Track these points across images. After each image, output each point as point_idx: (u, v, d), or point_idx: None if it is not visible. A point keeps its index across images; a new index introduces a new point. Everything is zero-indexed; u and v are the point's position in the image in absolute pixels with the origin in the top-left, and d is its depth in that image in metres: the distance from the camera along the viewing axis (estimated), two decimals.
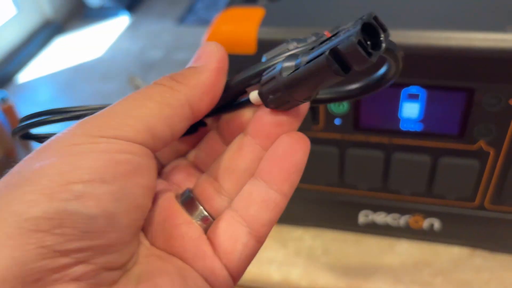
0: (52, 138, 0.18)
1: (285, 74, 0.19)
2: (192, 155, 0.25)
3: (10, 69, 2.07)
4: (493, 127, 0.36)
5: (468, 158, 0.38)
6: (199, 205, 0.22)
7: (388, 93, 0.36)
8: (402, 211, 0.44)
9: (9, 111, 1.60)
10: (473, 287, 0.43)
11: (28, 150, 1.67)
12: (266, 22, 0.36)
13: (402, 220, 0.44)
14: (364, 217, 0.45)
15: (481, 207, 0.41)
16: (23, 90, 2.00)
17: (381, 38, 0.17)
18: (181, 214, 0.22)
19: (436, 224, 0.44)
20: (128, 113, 0.19)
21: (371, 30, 0.17)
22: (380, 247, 0.47)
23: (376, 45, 0.17)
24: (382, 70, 0.22)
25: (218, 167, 0.23)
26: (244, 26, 0.36)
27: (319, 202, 0.46)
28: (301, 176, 0.21)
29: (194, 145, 0.26)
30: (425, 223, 0.44)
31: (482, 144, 0.37)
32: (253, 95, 0.22)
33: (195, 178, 0.24)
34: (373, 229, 0.46)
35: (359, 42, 0.16)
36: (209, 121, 0.25)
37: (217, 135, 0.25)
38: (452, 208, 0.42)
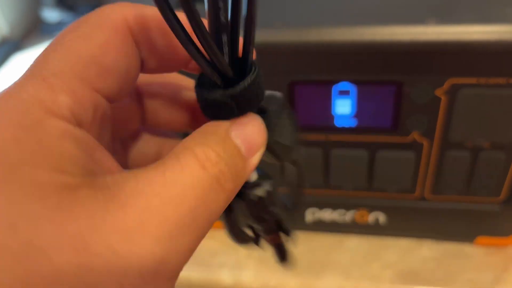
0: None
1: None
2: None
3: None
4: (424, 119, 0.37)
5: (404, 150, 0.39)
6: None
7: (320, 90, 0.37)
8: (347, 207, 0.44)
9: None
10: (420, 277, 0.44)
11: None
12: None
13: (348, 216, 0.45)
14: (311, 214, 0.46)
15: (422, 198, 0.42)
16: None
17: None
18: None
19: (381, 217, 0.44)
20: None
21: None
22: (330, 243, 0.47)
23: None
24: None
25: None
26: None
27: None
28: None
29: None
30: (370, 217, 0.45)
31: (415, 135, 0.38)
32: None
33: None
34: (321, 226, 0.46)
35: None
36: None
37: None
38: (395, 201, 0.43)
